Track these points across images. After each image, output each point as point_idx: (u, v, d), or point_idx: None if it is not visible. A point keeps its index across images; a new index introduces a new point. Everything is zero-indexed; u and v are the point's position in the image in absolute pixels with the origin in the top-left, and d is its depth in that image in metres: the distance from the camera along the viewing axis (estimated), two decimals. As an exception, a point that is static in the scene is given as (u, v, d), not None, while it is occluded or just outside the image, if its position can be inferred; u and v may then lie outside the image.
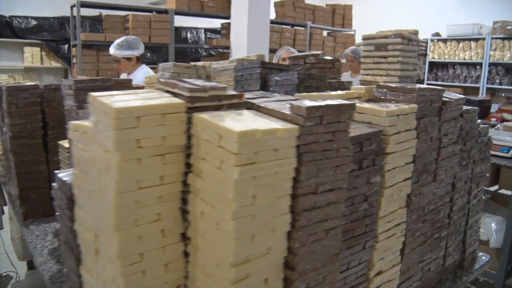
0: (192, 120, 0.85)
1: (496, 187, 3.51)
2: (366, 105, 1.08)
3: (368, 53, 1.41)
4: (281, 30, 6.63)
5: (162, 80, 0.95)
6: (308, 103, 0.83)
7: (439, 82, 8.20)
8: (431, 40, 8.36)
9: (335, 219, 0.93)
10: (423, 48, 8.46)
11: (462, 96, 1.39)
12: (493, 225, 3.40)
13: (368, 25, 5.68)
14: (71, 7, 5.57)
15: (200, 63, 1.69)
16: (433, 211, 1.35)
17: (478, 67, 7.76)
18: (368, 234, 1.07)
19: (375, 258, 1.12)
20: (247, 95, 1.04)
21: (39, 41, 7.28)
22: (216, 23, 7.47)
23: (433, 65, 8.50)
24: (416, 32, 1.41)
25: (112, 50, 3.83)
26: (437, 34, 8.35)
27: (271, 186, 0.79)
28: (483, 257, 1.75)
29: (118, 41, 3.84)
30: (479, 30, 7.68)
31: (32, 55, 7.32)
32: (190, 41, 7.73)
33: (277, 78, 1.35)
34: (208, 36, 7.86)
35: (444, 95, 1.31)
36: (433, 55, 8.38)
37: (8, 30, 7.00)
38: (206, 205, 0.83)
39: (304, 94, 1.19)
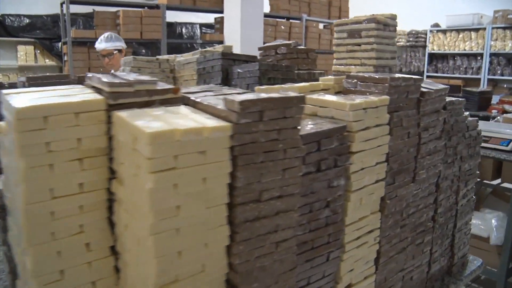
0: (112, 119, 0.73)
1: (498, 181, 3.35)
2: (328, 98, 0.95)
3: (340, 40, 1.27)
4: (276, 23, 6.46)
5: (89, 74, 0.83)
6: (245, 97, 0.71)
7: (439, 74, 8.01)
8: (430, 31, 8.17)
9: (288, 229, 0.81)
10: (422, 39, 8.28)
11: (445, 86, 1.26)
12: (493, 221, 3.26)
13: (365, 17, 5.50)
14: (61, 4, 5.46)
15: (165, 57, 1.57)
16: (414, 215, 1.22)
17: (479, 58, 7.56)
18: (332, 244, 0.94)
19: (343, 270, 1.00)
20: (188, 89, 0.92)
21: (32, 40, 7.18)
22: (211, 18, 7.33)
23: (432, 57, 8.30)
24: (393, 17, 1.27)
25: (103, 45, 3.67)
26: (436, 25, 8.15)
27: (200, 195, 0.67)
28: (475, 261, 1.62)
29: (105, 35, 3.71)
30: (479, 20, 7.47)
31: (26, 54, 7.22)
32: (185, 36, 7.58)
33: (238, 70, 1.23)
34: (203, 31, 7.72)
35: (423, 85, 1.18)
36: (432, 47, 8.18)
37: (1, 29, 6.92)
38: (129, 216, 0.72)
39: (264, 87, 1.06)
